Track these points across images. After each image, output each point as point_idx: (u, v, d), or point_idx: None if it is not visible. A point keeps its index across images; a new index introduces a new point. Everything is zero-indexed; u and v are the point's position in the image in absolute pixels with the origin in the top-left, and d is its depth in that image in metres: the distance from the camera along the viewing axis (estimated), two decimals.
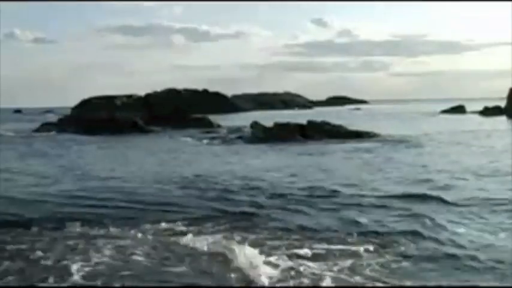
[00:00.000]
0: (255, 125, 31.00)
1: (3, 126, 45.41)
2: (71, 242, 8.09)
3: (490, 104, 54.88)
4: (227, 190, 12.65)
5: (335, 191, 12.10)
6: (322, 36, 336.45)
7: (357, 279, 6.36)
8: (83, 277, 6.50)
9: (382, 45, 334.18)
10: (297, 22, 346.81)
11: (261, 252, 7.28)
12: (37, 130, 40.49)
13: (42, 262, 7.13)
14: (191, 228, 8.95)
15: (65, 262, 7.04)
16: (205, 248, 7.68)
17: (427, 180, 13.36)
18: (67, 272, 6.63)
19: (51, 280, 6.39)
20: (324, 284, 6.27)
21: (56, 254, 7.44)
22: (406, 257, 7.13)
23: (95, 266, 6.91)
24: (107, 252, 7.52)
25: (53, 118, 56.22)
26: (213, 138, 30.36)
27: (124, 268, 6.84)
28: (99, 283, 6.36)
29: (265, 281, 6.27)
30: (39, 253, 7.50)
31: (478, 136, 27.54)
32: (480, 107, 54.76)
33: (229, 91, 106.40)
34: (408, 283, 6.26)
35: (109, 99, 64.48)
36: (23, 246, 7.91)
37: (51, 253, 7.49)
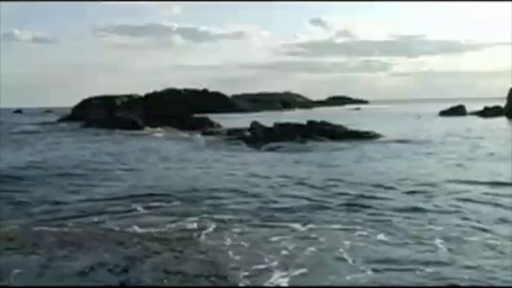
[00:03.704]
0: (255, 125, 30.97)
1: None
2: None
3: (490, 104, 54.81)
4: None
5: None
6: (322, 36, 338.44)
7: None
8: None
9: (382, 45, 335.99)
10: (297, 22, 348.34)
11: None
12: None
13: None
14: None
15: None
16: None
17: None
18: None
19: None
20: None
21: None
22: None
23: None
24: None
25: (52, 118, 56.36)
26: (213, 138, 30.39)
27: None
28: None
29: None
30: None
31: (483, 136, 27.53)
32: (480, 107, 54.69)
33: (229, 91, 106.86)
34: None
35: (109, 99, 64.61)
36: None
37: None
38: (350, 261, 7.16)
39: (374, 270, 6.78)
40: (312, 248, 7.76)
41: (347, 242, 8.03)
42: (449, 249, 7.62)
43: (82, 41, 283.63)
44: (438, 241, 8.01)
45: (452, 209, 10.27)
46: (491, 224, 8.98)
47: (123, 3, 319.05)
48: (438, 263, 7.02)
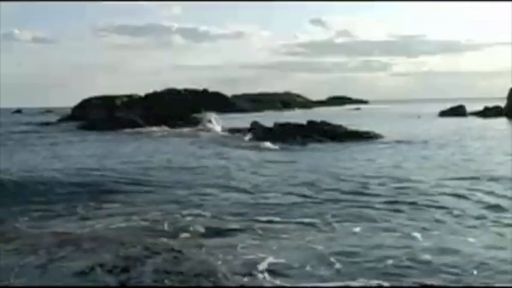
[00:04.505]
0: (255, 125, 30.97)
1: None
2: None
3: (490, 104, 54.73)
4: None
5: None
6: (322, 36, 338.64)
7: None
8: None
9: (382, 45, 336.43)
10: (297, 22, 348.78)
11: None
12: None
13: None
14: None
15: None
16: None
17: None
18: None
19: None
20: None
21: None
22: None
23: None
24: None
25: (52, 118, 56.34)
26: (213, 138, 30.38)
27: None
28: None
29: None
30: None
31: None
32: (480, 107, 54.61)
33: (229, 91, 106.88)
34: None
35: (109, 99, 64.56)
36: None
37: None
38: (321, 253, 7.36)
39: (343, 262, 6.95)
40: (290, 241, 8.08)
41: (320, 234, 8.39)
42: (425, 243, 7.81)
43: (82, 41, 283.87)
44: (417, 235, 8.24)
45: (435, 205, 10.47)
46: (469, 220, 9.24)
47: (123, 3, 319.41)
48: (409, 258, 7.12)
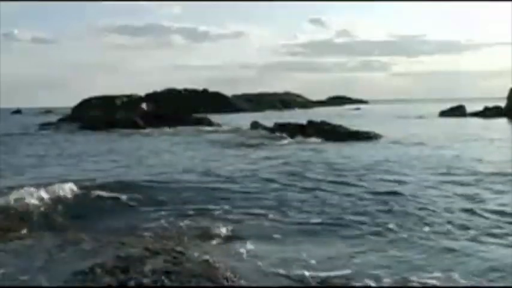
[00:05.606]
0: (255, 125, 31.02)
1: None
2: None
3: (490, 104, 54.67)
4: None
5: None
6: (321, 36, 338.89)
7: None
8: None
9: (382, 45, 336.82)
10: (297, 22, 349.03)
11: None
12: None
13: None
14: None
15: None
16: None
17: None
18: None
19: None
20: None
21: None
22: None
23: None
24: None
25: (53, 118, 56.33)
26: (213, 138, 30.40)
27: None
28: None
29: None
30: None
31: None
32: (480, 107, 54.54)
33: (229, 91, 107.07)
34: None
35: (109, 99, 64.58)
36: None
37: None
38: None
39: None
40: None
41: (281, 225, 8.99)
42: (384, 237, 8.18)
43: (82, 41, 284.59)
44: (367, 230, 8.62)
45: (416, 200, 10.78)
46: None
47: (123, 3, 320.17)
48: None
